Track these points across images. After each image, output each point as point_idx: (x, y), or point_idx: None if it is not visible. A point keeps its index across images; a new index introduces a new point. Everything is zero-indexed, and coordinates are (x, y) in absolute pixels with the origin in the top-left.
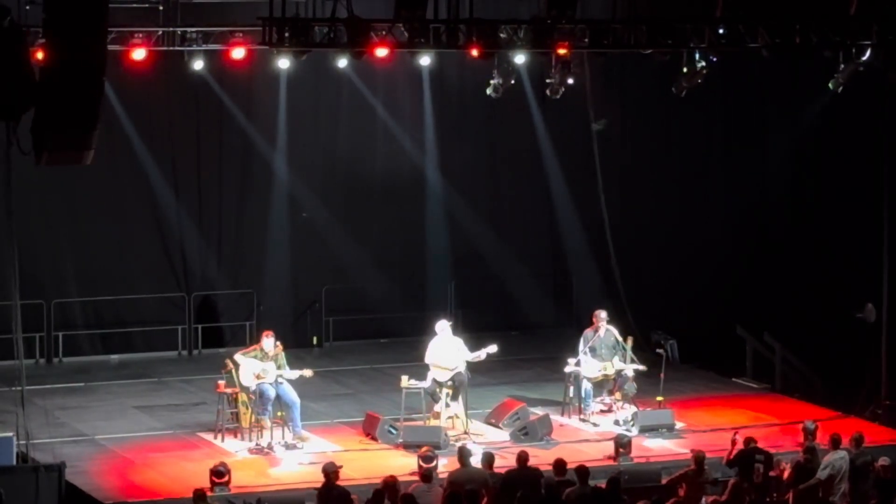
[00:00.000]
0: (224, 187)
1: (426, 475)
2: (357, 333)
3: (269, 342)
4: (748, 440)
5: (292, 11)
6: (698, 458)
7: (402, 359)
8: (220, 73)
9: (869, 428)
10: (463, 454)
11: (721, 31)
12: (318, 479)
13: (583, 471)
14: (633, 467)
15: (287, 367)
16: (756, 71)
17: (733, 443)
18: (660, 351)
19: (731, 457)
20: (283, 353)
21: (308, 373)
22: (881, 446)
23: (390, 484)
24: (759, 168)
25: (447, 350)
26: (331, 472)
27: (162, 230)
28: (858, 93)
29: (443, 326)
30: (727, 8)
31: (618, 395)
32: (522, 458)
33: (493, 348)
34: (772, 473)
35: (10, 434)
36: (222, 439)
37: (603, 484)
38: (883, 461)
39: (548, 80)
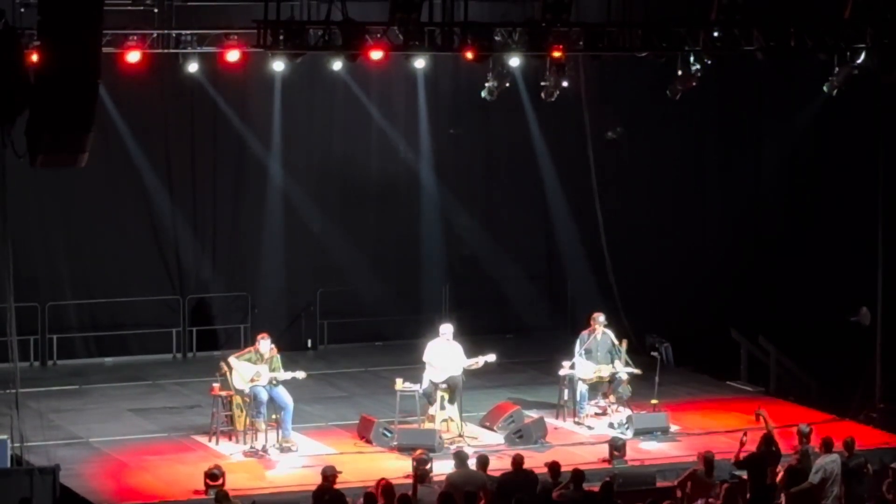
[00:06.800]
0: (219, 190)
1: (422, 476)
2: (352, 336)
3: (265, 344)
4: (766, 440)
5: (287, 14)
6: (707, 458)
7: (396, 362)
8: (214, 76)
9: (863, 431)
10: (460, 457)
11: (716, 34)
12: (312, 482)
13: (578, 474)
14: (627, 470)
15: (281, 370)
16: (751, 74)
17: (742, 443)
18: (654, 354)
19: (740, 457)
20: (277, 356)
21: (301, 374)
22: (875, 449)
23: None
24: (753, 171)
25: (446, 353)
26: (329, 475)
27: (156, 233)
28: (853, 96)
29: (445, 329)
30: (722, 11)
31: (612, 397)
32: (518, 461)
33: (491, 357)
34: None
35: (5, 437)
36: (217, 442)
37: (596, 487)
38: None
39: (542, 83)
